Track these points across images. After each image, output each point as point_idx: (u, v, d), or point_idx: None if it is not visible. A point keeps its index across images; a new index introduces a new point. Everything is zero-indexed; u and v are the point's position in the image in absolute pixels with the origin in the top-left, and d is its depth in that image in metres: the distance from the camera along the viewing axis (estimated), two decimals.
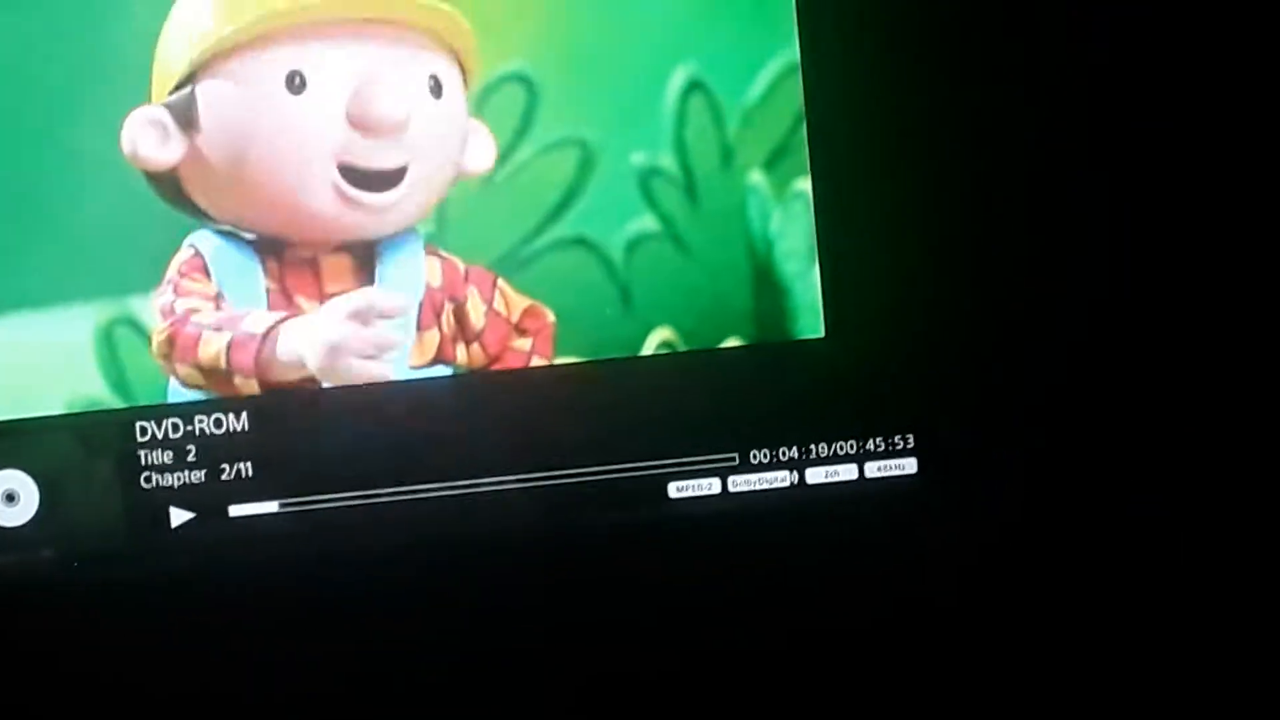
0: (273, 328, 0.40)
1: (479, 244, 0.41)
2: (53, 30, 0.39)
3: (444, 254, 0.41)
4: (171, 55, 0.39)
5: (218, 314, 0.40)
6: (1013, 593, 0.41)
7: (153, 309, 0.40)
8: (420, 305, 0.41)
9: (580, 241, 0.41)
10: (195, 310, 0.39)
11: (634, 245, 0.41)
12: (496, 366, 0.41)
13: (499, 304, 0.41)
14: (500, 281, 0.41)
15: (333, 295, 0.40)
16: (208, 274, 0.40)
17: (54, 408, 0.40)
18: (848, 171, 0.41)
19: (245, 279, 0.40)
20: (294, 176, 0.39)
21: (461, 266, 0.41)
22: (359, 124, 0.39)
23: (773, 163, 0.41)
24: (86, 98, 0.39)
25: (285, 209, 0.40)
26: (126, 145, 0.39)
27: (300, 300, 0.40)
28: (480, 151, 0.41)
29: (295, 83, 0.39)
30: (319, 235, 0.40)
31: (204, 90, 0.39)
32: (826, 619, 0.41)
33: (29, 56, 0.39)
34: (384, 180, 0.40)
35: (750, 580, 0.41)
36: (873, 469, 0.42)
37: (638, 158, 0.41)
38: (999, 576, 0.41)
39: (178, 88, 0.39)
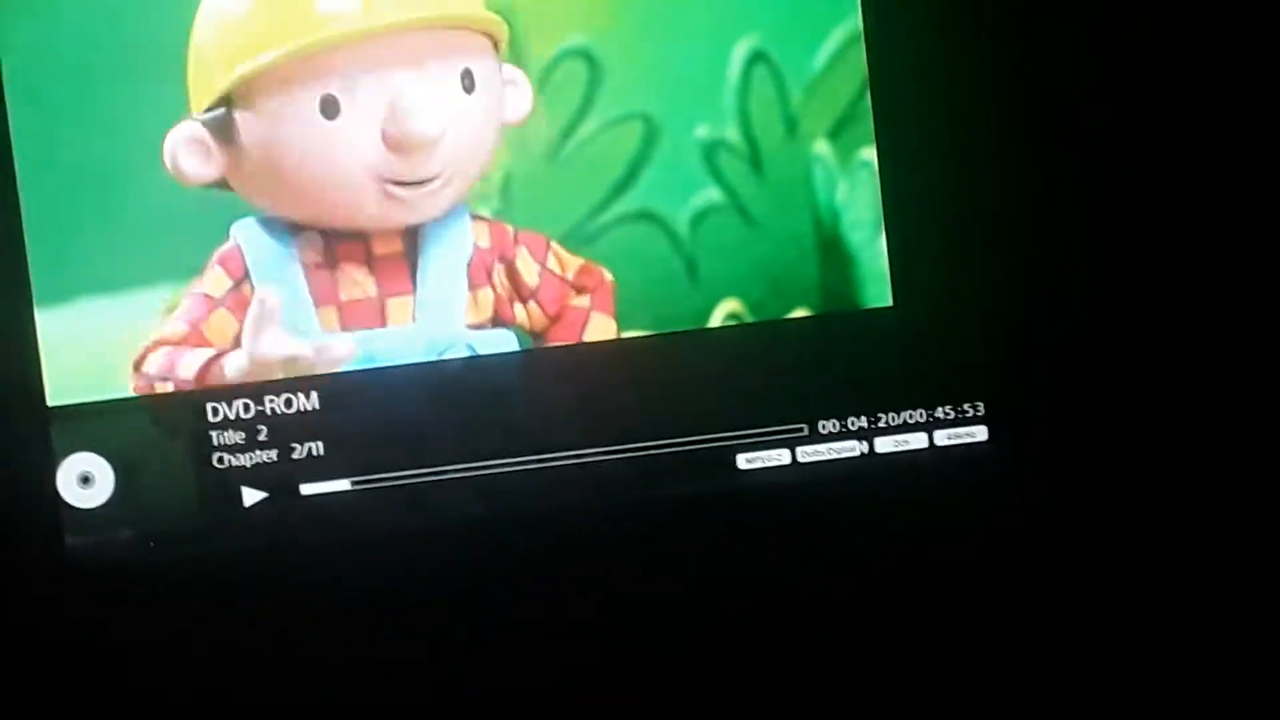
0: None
1: (544, 219, 0.41)
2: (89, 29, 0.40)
3: (491, 219, 0.41)
4: (206, 68, 0.39)
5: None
6: (1087, 558, 0.41)
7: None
8: (469, 263, 0.41)
9: (646, 215, 0.41)
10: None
11: (699, 218, 0.41)
12: (557, 326, 0.41)
13: (553, 264, 0.41)
14: (554, 244, 0.41)
15: (381, 256, 0.41)
16: (242, 261, 0.40)
17: (126, 390, 0.40)
18: (913, 140, 0.41)
19: (280, 262, 0.40)
20: (335, 190, 0.40)
21: (511, 230, 0.41)
22: (395, 146, 0.39)
23: (837, 132, 0.41)
24: (128, 101, 0.39)
25: (329, 211, 0.40)
26: (168, 161, 0.40)
27: (347, 267, 0.41)
28: (517, 101, 0.41)
29: (329, 108, 0.39)
30: (365, 226, 0.41)
31: (241, 113, 0.39)
32: (898, 588, 0.41)
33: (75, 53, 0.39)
34: (423, 181, 0.40)
35: (821, 551, 0.41)
36: (943, 437, 0.42)
37: (702, 130, 0.41)
38: (1073, 543, 0.41)
39: (214, 106, 0.39)
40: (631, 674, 0.41)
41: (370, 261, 0.41)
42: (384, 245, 0.41)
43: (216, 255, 0.40)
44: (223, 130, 0.39)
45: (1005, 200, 0.41)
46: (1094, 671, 0.41)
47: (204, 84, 0.39)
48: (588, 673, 0.41)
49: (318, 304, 0.41)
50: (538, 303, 0.41)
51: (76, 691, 0.40)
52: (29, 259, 0.40)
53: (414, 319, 0.41)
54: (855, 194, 0.41)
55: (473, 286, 0.41)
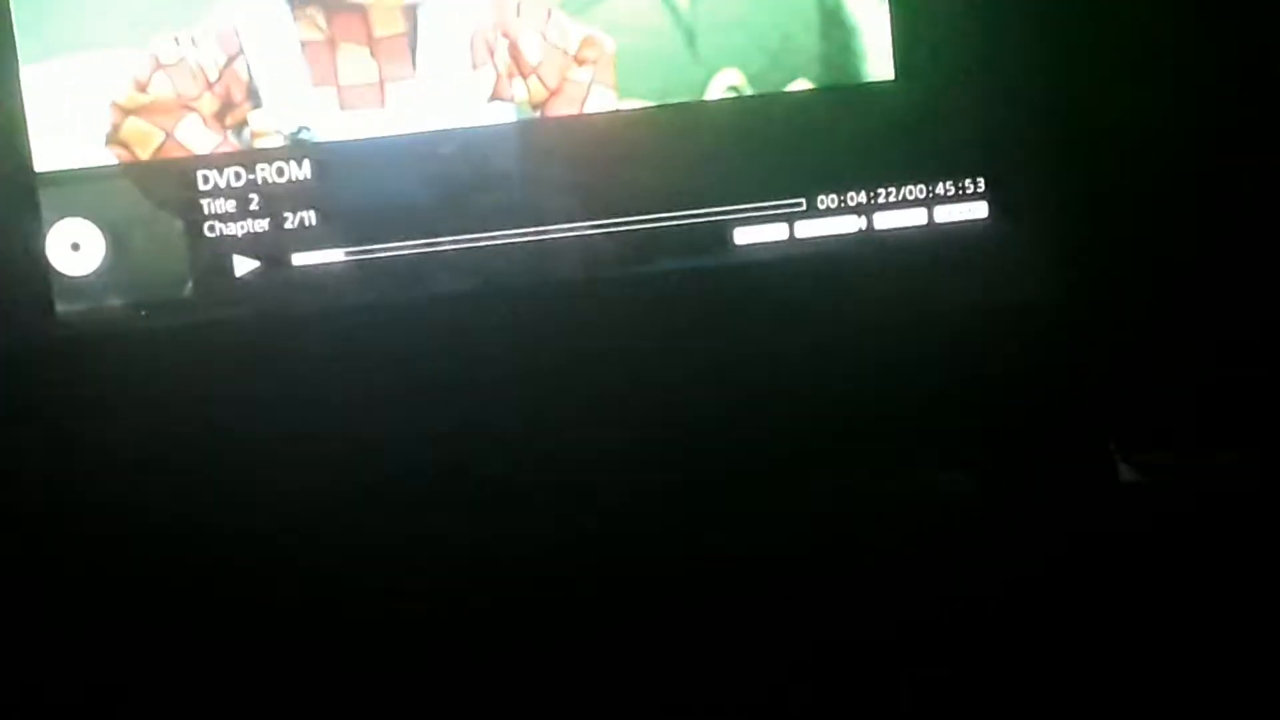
0: None
1: None
2: None
3: None
4: None
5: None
6: (1080, 331, 0.41)
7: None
8: (470, 41, 0.40)
9: None
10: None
11: None
12: (556, 99, 0.41)
13: (555, 35, 0.40)
14: (555, 12, 0.40)
15: (382, 38, 0.40)
16: (236, 37, 0.39)
17: (112, 155, 0.40)
18: None
19: (277, 38, 0.40)
20: None
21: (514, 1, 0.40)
22: None
23: None
24: None
25: None
26: None
27: (347, 48, 0.40)
28: None
29: None
30: None
31: None
32: (892, 365, 0.41)
33: None
34: None
35: (818, 327, 0.41)
36: (942, 214, 0.41)
37: None
38: (1066, 318, 0.41)
39: None
40: (622, 447, 0.41)
41: (370, 42, 0.40)
42: (385, 24, 0.40)
43: (211, 25, 0.39)
44: None
45: None
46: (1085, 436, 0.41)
47: None
48: (579, 445, 0.41)
49: (315, 85, 0.40)
50: (538, 77, 0.41)
51: (66, 459, 0.40)
52: (12, 13, 0.39)
53: (414, 103, 0.40)
54: None
55: (474, 66, 0.40)
